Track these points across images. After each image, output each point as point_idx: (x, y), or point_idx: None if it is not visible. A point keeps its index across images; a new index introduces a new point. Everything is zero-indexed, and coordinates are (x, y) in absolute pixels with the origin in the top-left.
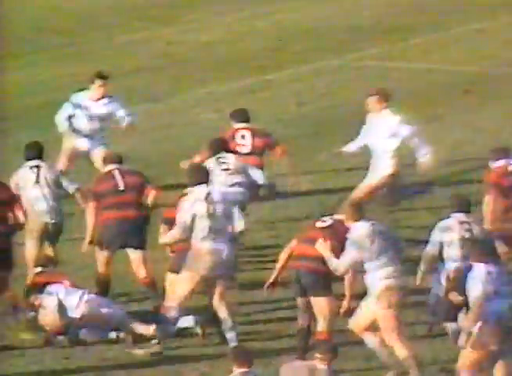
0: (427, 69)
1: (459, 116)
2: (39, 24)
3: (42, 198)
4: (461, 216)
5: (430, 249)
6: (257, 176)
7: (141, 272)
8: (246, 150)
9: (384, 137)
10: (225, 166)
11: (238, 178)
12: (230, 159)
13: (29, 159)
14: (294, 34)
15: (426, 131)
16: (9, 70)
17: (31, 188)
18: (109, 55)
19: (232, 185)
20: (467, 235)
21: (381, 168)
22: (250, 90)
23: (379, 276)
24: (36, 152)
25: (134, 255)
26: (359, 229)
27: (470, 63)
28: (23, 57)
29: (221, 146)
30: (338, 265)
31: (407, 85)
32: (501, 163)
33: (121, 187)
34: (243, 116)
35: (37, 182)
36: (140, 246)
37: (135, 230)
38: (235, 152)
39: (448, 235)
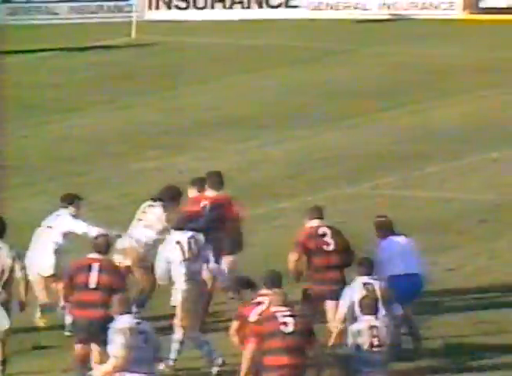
0: (443, 198)
1: (476, 245)
2: (51, 153)
3: None
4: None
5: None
6: None
7: None
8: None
9: None
10: None
11: None
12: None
13: None
14: (308, 162)
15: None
16: (23, 199)
17: None
18: (121, 183)
19: None
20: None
21: None
22: (264, 218)
23: None
24: None
25: None
26: None
27: (487, 191)
28: (36, 186)
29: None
30: None
31: (423, 214)
32: (313, 223)
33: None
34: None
35: None
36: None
37: None
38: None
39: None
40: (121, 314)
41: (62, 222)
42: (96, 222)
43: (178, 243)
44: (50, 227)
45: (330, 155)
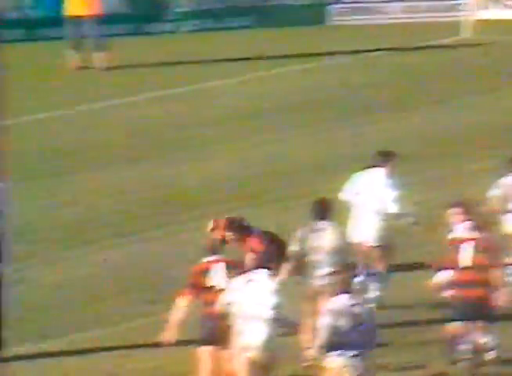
0: None
1: None
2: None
3: None
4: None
5: None
6: None
7: None
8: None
9: None
10: None
11: None
12: None
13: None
14: None
15: None
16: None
17: None
18: (456, 182)
19: None
20: None
21: None
22: None
23: None
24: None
25: None
26: None
27: None
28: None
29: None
30: None
31: None
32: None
33: None
34: None
35: None
36: None
37: None
38: None
39: None
40: (340, 293)
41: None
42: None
43: None
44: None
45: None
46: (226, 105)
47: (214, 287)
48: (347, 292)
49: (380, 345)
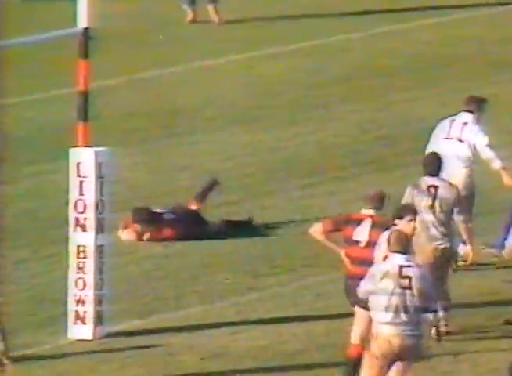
0: None
1: None
2: None
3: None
4: None
5: None
6: None
7: None
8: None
9: None
10: None
11: None
12: None
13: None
14: None
15: None
16: None
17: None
18: None
19: None
20: None
21: None
22: None
23: None
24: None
25: None
26: None
27: None
28: None
29: None
30: None
31: None
32: None
33: None
34: None
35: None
36: None
37: None
38: None
39: None
40: (394, 252)
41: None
42: None
43: None
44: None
45: None
46: (352, 61)
47: (359, 242)
48: (401, 252)
49: None
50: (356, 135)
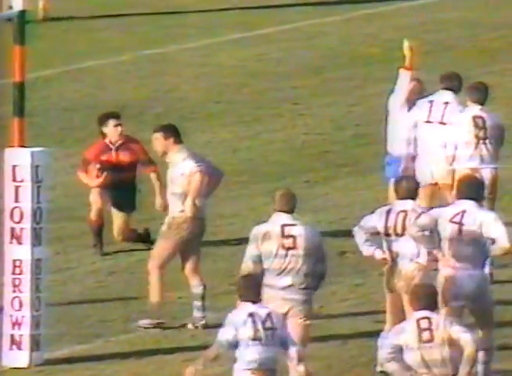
0: None
1: None
2: None
3: None
4: None
5: None
6: None
7: None
8: None
9: None
10: None
11: None
12: None
13: None
14: None
15: None
16: None
17: None
18: None
19: None
20: None
21: None
22: None
23: None
24: None
25: None
26: None
27: None
28: None
29: None
30: None
31: None
32: None
33: None
34: None
35: None
36: None
37: None
38: None
39: None
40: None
41: None
42: None
43: None
44: None
45: None
46: (325, 49)
47: None
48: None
49: None
50: (329, 132)
